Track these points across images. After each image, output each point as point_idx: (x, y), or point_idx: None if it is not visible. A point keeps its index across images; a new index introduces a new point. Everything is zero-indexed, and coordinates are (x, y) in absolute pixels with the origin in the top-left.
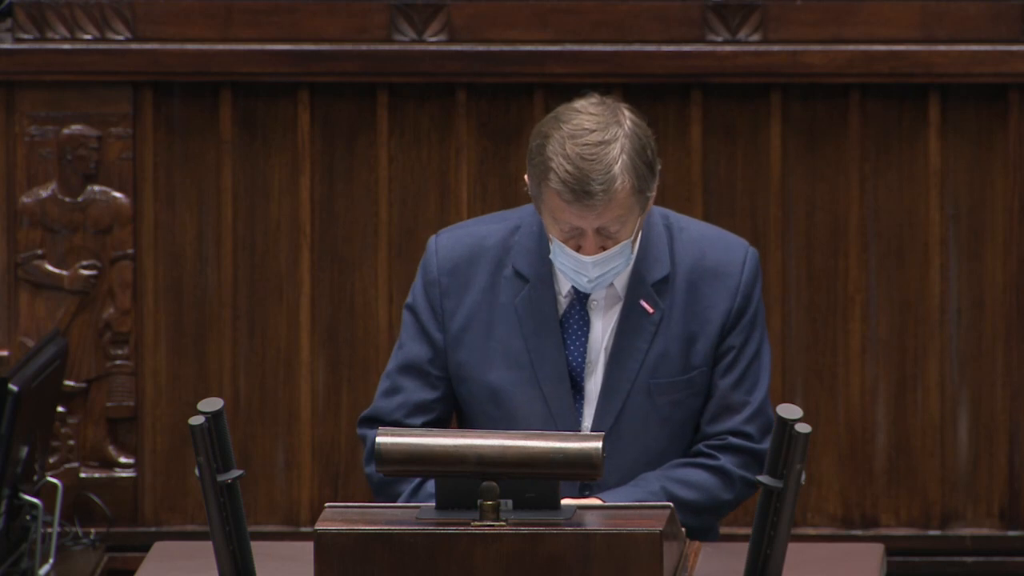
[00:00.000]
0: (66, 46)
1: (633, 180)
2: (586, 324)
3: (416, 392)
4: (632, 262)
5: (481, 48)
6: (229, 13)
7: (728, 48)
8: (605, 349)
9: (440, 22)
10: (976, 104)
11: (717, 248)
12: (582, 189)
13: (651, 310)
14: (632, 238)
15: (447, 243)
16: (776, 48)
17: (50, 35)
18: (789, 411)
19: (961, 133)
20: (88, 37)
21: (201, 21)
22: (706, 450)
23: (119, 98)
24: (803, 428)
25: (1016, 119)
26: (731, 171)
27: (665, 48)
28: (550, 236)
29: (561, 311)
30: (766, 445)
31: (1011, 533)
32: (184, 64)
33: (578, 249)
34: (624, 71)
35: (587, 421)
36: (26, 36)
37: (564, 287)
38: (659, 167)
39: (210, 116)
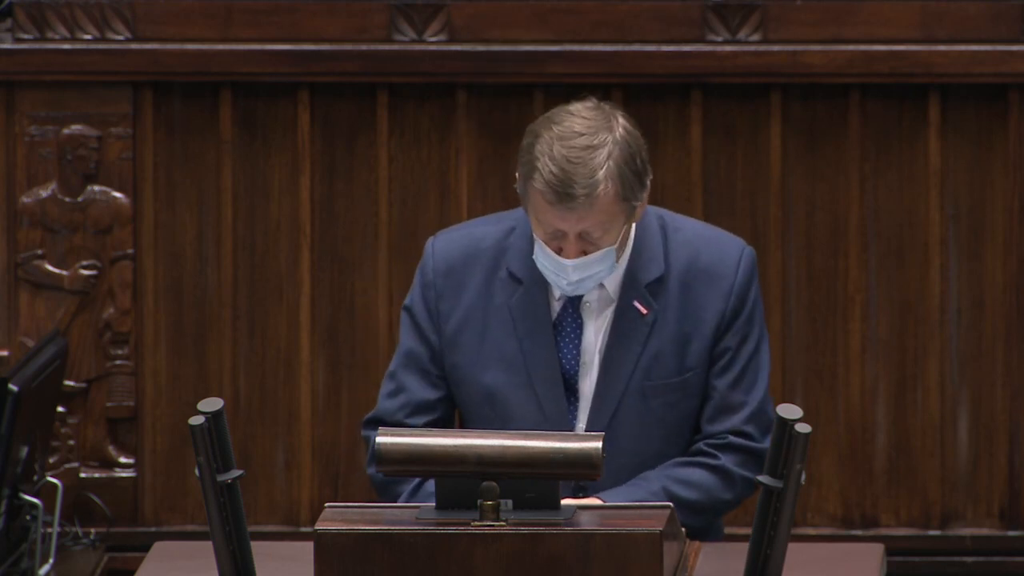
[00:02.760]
0: (66, 46)
1: (618, 187)
2: (579, 326)
3: (418, 391)
4: (618, 268)
5: (481, 48)
6: (229, 13)
7: (728, 48)
8: (599, 351)
9: (440, 22)
10: (976, 104)
11: (712, 248)
12: (564, 191)
13: (645, 311)
14: (616, 245)
15: (443, 246)
16: (776, 48)
17: (50, 35)
18: (789, 411)
19: (961, 133)
20: (88, 37)
21: (201, 21)
22: (707, 449)
23: (119, 98)
24: (803, 428)
25: (1016, 119)
26: (731, 171)
27: (665, 48)
28: (535, 236)
29: (555, 313)
30: (766, 444)
31: (1011, 533)
32: (184, 64)
33: (559, 252)
34: (624, 71)
35: (581, 424)
36: (26, 36)
37: (558, 290)
38: (650, 177)
39: (210, 116)
